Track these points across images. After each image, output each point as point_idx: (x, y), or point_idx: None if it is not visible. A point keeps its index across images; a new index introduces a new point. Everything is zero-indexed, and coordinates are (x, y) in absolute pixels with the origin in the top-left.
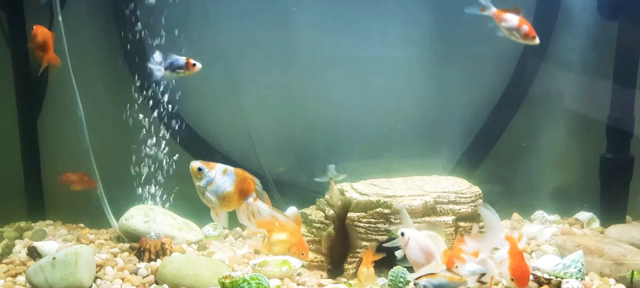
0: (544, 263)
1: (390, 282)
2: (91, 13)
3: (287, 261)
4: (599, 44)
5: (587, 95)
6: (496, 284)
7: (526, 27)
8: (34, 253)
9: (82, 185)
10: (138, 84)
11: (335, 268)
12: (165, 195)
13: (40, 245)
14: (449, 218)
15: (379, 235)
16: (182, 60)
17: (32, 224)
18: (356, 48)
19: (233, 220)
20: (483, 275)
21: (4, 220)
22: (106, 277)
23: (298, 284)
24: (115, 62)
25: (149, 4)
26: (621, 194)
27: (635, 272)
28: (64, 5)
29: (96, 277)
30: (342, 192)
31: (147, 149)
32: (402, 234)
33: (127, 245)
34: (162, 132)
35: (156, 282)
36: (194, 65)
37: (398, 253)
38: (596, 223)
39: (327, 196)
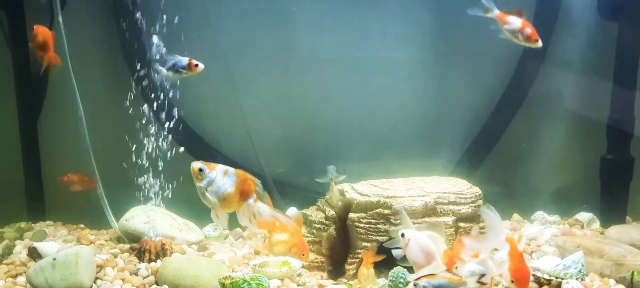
0: (544, 264)
1: (390, 283)
2: (91, 13)
3: (287, 262)
4: (599, 45)
5: (587, 96)
6: (496, 285)
7: (529, 30)
8: (34, 254)
9: (82, 186)
10: (137, 83)
11: (335, 269)
12: (164, 195)
13: (40, 245)
14: (449, 219)
15: (379, 235)
16: (184, 60)
17: (33, 225)
18: (356, 48)
19: (233, 220)
20: (483, 275)
21: (4, 220)
22: (106, 278)
23: (298, 285)
24: (115, 62)
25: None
26: (621, 195)
27: (635, 273)
28: (64, 5)
29: (96, 278)
30: (342, 193)
31: (147, 149)
32: (403, 235)
33: (127, 246)
34: (162, 133)
35: (156, 283)
36: (197, 65)
37: (396, 253)
38: (596, 224)
39: (327, 197)
